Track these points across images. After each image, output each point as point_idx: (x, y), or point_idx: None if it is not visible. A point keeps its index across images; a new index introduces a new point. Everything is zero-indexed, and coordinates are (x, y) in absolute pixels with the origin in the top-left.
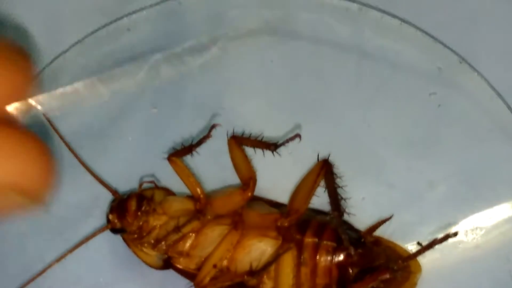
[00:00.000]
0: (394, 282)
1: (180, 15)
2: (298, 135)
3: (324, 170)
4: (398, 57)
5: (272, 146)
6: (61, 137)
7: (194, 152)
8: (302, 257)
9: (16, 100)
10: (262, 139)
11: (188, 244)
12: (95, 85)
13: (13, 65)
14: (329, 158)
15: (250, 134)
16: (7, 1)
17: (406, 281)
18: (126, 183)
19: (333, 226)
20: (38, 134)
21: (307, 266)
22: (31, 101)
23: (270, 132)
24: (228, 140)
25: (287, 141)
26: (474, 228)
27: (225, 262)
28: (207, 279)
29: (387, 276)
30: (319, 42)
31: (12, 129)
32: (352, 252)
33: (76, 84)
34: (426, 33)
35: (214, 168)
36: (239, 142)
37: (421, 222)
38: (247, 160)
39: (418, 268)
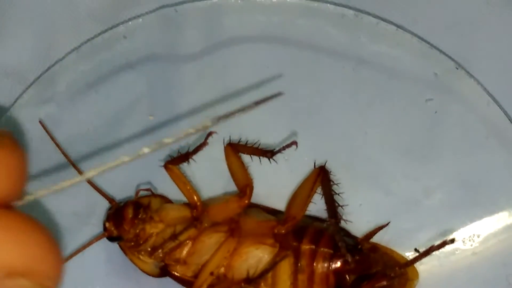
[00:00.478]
0: None
1: (176, 23)
2: (294, 142)
3: (321, 177)
4: (394, 63)
5: (269, 153)
6: (57, 145)
7: (190, 160)
8: (299, 264)
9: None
10: (258, 146)
11: (185, 251)
12: (91, 93)
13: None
14: (326, 165)
15: (247, 141)
16: (2, 8)
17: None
18: (122, 191)
19: (330, 233)
20: (22, 158)
21: (304, 273)
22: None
23: (267, 139)
24: (224, 147)
25: (284, 148)
26: (471, 234)
27: (222, 270)
28: (204, 286)
29: (384, 283)
30: (315, 48)
31: (13, 215)
32: (349, 259)
33: (72, 92)
34: (422, 39)
35: (210, 176)
36: (235, 149)
37: (418, 229)
38: (243, 167)
39: (416, 274)
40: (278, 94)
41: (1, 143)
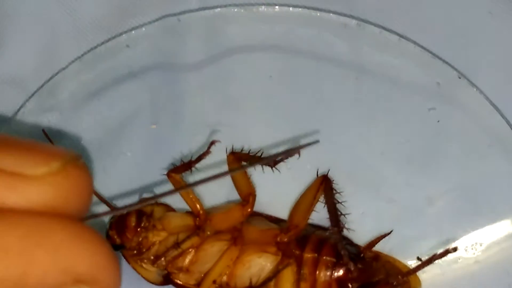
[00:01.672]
0: None
1: (179, 32)
2: (295, 151)
3: (324, 186)
4: (397, 72)
5: (271, 162)
6: None
7: (193, 168)
8: (301, 273)
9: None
10: (261, 155)
11: (187, 259)
12: (94, 102)
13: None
14: (329, 174)
15: (249, 150)
16: (5, 17)
17: None
18: (125, 200)
19: (332, 242)
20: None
21: (307, 281)
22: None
23: (269, 148)
24: (227, 156)
25: (286, 157)
26: (473, 243)
27: (224, 278)
28: None
29: None
30: (318, 57)
31: (83, 226)
32: (352, 268)
33: (75, 101)
34: (425, 48)
35: (213, 184)
36: (238, 158)
37: (420, 237)
38: (246, 176)
39: (418, 283)
40: (315, 142)
41: (75, 164)
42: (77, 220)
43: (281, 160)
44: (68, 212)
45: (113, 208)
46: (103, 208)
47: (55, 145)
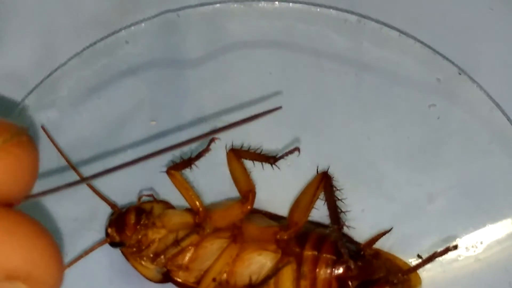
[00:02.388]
0: None
1: (178, 28)
2: (297, 149)
3: (324, 183)
4: (397, 68)
5: (271, 159)
6: (59, 150)
7: (193, 165)
8: (301, 270)
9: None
10: (261, 151)
11: (187, 257)
12: (93, 98)
13: (18, 160)
14: (329, 171)
15: (249, 147)
16: (4, 13)
17: None
18: (125, 197)
19: (332, 239)
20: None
21: (307, 279)
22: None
23: (269, 145)
24: (227, 153)
25: (286, 154)
26: (474, 241)
27: (224, 276)
28: None
29: None
30: (318, 53)
31: (17, 216)
32: (352, 265)
33: (74, 97)
34: (425, 44)
35: (213, 181)
36: (238, 155)
37: (421, 235)
38: (246, 173)
39: (418, 281)
40: (278, 108)
41: (19, 141)
42: (12, 206)
43: (281, 157)
44: (6, 195)
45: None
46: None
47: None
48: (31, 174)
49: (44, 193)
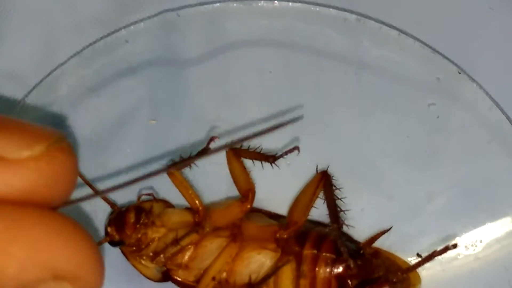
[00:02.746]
0: None
1: (178, 27)
2: (296, 148)
3: (323, 182)
4: (397, 68)
5: (271, 158)
6: None
7: (192, 164)
8: (301, 269)
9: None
10: (260, 151)
11: (186, 256)
12: (93, 97)
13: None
14: (328, 170)
15: (249, 146)
16: (4, 12)
17: None
18: (124, 196)
19: (332, 238)
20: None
21: (306, 278)
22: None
23: (269, 144)
24: (226, 152)
25: (286, 153)
26: (473, 240)
27: (224, 275)
28: None
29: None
30: (317, 53)
31: (63, 219)
32: (351, 264)
33: (74, 96)
34: (425, 43)
35: (212, 180)
36: (237, 154)
37: (420, 234)
38: (245, 172)
39: (418, 280)
40: (299, 118)
41: (60, 147)
42: (58, 210)
43: (281, 156)
44: (50, 199)
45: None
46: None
47: (40, 125)
48: (72, 179)
49: (82, 199)
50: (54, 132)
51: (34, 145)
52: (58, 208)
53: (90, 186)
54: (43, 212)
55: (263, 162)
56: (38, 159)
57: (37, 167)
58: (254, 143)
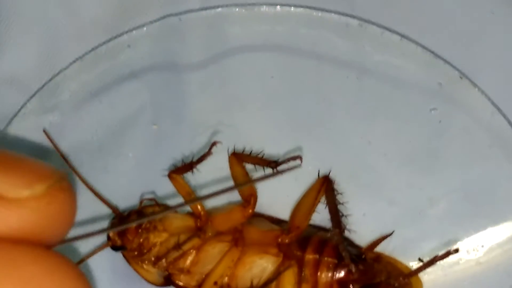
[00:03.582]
0: None
1: (180, 32)
2: (299, 157)
3: (325, 187)
4: (399, 73)
5: (273, 163)
6: (61, 154)
7: (194, 169)
8: (303, 274)
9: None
10: (263, 156)
11: (188, 261)
12: (95, 102)
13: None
14: (330, 175)
15: (251, 151)
16: (6, 17)
17: None
18: (126, 200)
19: (334, 243)
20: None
21: (308, 282)
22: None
23: (271, 148)
24: (229, 157)
25: (288, 160)
26: (475, 244)
27: (226, 279)
28: None
29: None
30: (320, 58)
31: (57, 258)
32: (353, 269)
33: (76, 101)
34: (427, 49)
35: (214, 185)
36: (239, 159)
37: (422, 239)
38: (247, 177)
39: (420, 284)
40: (297, 166)
41: (61, 187)
42: (54, 246)
43: (283, 162)
44: (46, 238)
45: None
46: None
47: (42, 163)
48: (71, 219)
49: (76, 238)
50: (55, 171)
51: (35, 184)
52: (53, 247)
53: (106, 203)
54: (37, 251)
55: (265, 167)
56: (38, 198)
57: (37, 207)
58: (257, 148)
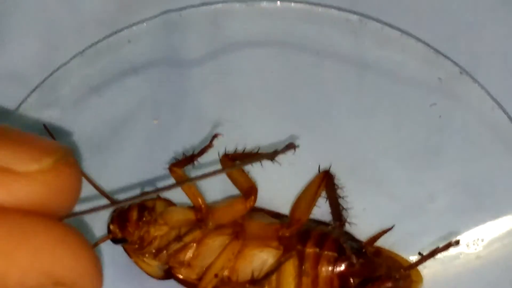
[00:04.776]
0: None
1: (180, 27)
2: (292, 145)
3: (325, 181)
4: (399, 68)
5: (269, 155)
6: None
7: (195, 162)
8: (303, 267)
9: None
10: (257, 151)
11: (189, 254)
12: (95, 97)
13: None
14: (330, 169)
15: (244, 149)
16: (7, 12)
17: None
18: (127, 193)
19: (334, 237)
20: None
21: (309, 276)
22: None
23: (271, 143)
24: (220, 158)
25: (282, 151)
26: (475, 238)
27: (226, 272)
28: None
29: (389, 285)
30: (320, 53)
31: (66, 229)
32: (354, 261)
33: (76, 96)
34: (427, 44)
35: (215, 178)
36: (232, 159)
37: (422, 233)
38: (244, 173)
39: (420, 277)
40: (292, 147)
41: (67, 162)
42: (61, 220)
43: (278, 154)
44: (54, 211)
45: (112, 201)
46: (92, 204)
47: (48, 139)
48: (76, 193)
49: (83, 212)
50: (61, 147)
51: (42, 159)
52: (61, 219)
53: (107, 197)
54: (47, 222)
55: (262, 162)
56: (45, 172)
57: (45, 180)
58: (256, 143)
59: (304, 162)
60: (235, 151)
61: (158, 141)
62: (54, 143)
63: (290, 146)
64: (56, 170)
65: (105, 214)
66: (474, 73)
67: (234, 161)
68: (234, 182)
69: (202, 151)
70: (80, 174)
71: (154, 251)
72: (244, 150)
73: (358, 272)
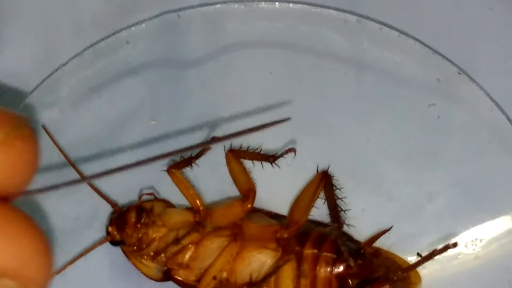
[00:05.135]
0: None
1: (179, 28)
2: (293, 149)
3: (324, 182)
4: (397, 68)
5: (271, 158)
6: (61, 150)
7: (193, 164)
8: (301, 269)
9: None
10: (260, 151)
11: (187, 256)
12: (94, 98)
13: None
14: (329, 170)
15: (248, 147)
16: (5, 13)
17: None
18: (125, 196)
19: (332, 238)
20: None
21: (307, 277)
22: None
23: (270, 144)
24: (225, 153)
25: (283, 154)
26: (473, 239)
27: (224, 274)
28: None
29: (387, 287)
30: (318, 54)
31: (11, 212)
32: (352, 264)
33: (75, 97)
34: (425, 44)
35: (213, 180)
36: (237, 155)
37: (420, 234)
38: (245, 172)
39: (418, 279)
40: (286, 119)
41: (21, 134)
42: (10, 200)
43: (280, 156)
44: (2, 191)
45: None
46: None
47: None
48: (31, 169)
49: (42, 190)
50: (14, 117)
51: None
52: (14, 198)
53: (105, 199)
54: None
55: (263, 162)
56: None
57: None
58: (254, 144)
59: (302, 163)
60: (240, 147)
61: (157, 141)
62: (6, 112)
63: (290, 150)
64: (6, 145)
65: (104, 216)
66: (472, 73)
67: (238, 158)
68: (235, 180)
69: (200, 153)
70: (37, 147)
71: (152, 253)
72: (248, 148)
73: (356, 273)
